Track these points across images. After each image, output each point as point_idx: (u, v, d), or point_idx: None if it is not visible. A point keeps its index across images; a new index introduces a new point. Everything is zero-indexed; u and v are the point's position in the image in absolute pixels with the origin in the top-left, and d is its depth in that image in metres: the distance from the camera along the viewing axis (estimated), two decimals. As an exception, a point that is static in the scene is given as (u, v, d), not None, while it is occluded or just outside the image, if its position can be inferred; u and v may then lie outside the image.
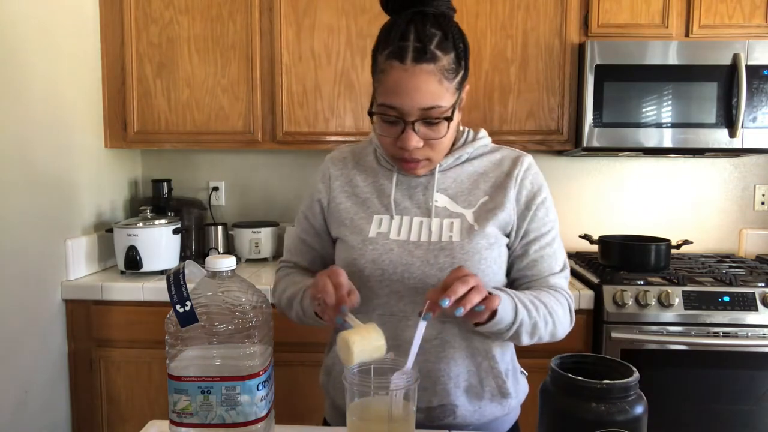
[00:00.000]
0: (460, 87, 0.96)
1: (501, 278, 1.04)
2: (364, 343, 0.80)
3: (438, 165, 1.05)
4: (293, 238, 1.18)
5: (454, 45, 0.93)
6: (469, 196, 1.05)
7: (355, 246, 1.03)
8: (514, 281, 1.07)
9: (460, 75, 0.95)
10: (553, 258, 1.05)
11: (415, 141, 0.95)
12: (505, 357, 1.07)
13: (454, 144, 1.07)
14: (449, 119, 0.95)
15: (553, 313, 0.98)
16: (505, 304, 0.90)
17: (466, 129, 1.11)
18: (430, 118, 0.94)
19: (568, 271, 1.07)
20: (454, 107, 0.96)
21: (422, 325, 0.82)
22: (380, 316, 1.01)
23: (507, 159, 1.08)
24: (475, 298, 0.82)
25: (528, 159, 1.08)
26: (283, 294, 1.10)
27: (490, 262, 1.00)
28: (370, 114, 0.98)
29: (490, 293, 0.87)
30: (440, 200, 1.05)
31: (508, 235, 1.05)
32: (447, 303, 0.81)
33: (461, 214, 1.03)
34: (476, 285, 0.83)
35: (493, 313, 0.88)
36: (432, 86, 0.91)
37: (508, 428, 1.09)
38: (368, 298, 1.02)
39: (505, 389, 1.03)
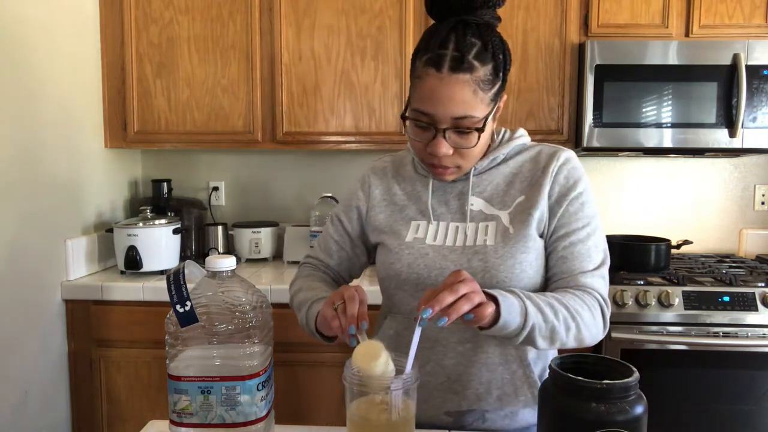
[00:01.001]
0: (495, 98, 0.95)
1: (538, 282, 1.01)
2: (387, 366, 0.80)
3: (473, 168, 1.04)
4: (324, 237, 1.19)
5: (493, 56, 0.92)
6: (504, 197, 1.04)
7: (393, 250, 1.04)
8: (547, 279, 1.04)
9: (497, 86, 0.94)
10: (586, 256, 0.99)
11: (444, 148, 0.95)
12: (541, 363, 1.04)
13: (489, 146, 1.06)
14: (480, 130, 0.94)
15: (577, 317, 0.92)
16: (511, 309, 0.85)
17: (503, 129, 1.09)
18: (462, 128, 0.94)
19: (605, 271, 1.00)
20: (486, 118, 0.95)
21: (418, 331, 0.81)
22: (415, 318, 1.01)
23: (544, 154, 1.05)
24: (463, 308, 0.79)
25: (566, 153, 1.05)
26: (297, 293, 1.11)
27: (525, 266, 0.98)
28: (403, 117, 0.98)
29: (492, 296, 0.84)
30: (476, 204, 1.04)
31: (542, 234, 1.02)
32: (429, 314, 0.79)
33: (497, 216, 1.02)
34: (467, 293, 0.80)
35: (497, 318, 0.84)
36: (466, 96, 0.91)
37: None
38: (405, 301, 1.03)
39: None
